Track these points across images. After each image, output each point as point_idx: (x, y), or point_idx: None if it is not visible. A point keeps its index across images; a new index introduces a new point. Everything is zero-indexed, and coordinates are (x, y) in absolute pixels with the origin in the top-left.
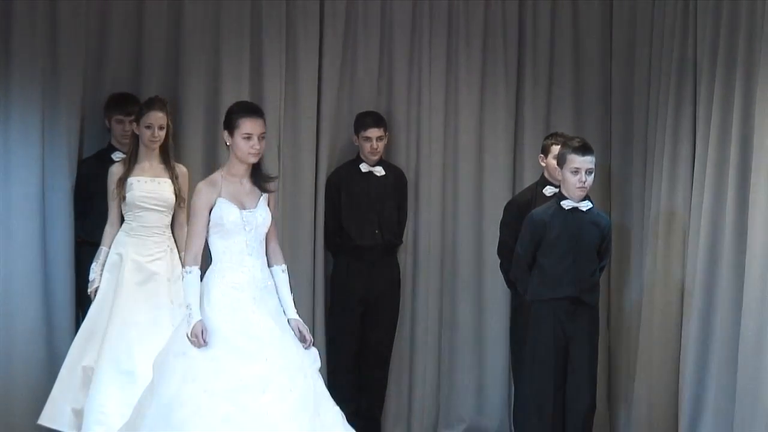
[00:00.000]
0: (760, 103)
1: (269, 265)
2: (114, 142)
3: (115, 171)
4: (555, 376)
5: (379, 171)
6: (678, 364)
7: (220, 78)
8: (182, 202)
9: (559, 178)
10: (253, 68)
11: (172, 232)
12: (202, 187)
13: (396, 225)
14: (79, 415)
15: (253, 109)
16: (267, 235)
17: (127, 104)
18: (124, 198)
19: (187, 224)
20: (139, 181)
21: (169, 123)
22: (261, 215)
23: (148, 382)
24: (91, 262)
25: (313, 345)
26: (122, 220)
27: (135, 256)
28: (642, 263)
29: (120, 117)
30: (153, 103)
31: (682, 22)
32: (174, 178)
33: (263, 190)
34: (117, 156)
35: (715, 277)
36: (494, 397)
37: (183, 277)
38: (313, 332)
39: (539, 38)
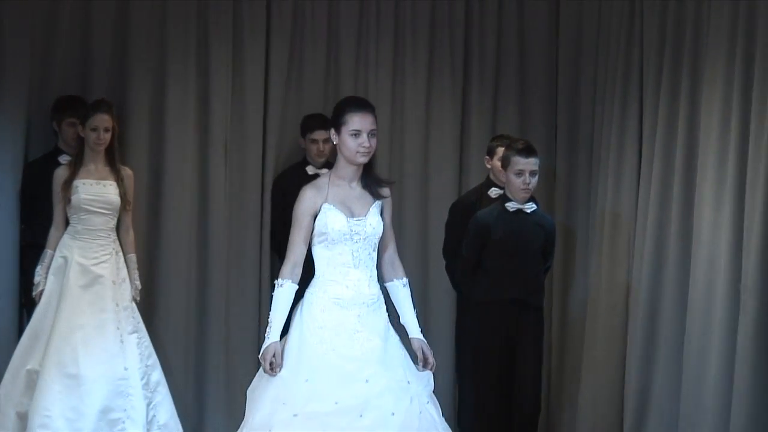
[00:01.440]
0: (705, 105)
1: (387, 280)
2: (62, 145)
3: (61, 174)
4: (500, 378)
5: (325, 173)
6: (623, 365)
7: (166, 80)
8: (128, 205)
9: (504, 179)
10: (199, 71)
11: (118, 235)
12: (306, 191)
13: None
14: (23, 418)
15: (362, 104)
16: (382, 245)
17: (79, 107)
18: (69, 201)
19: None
20: (84, 183)
21: (115, 125)
22: (371, 224)
23: (93, 385)
24: (36, 265)
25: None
26: (68, 223)
27: (80, 259)
28: (587, 264)
29: (72, 120)
30: (98, 106)
31: (629, 23)
32: (119, 180)
33: (376, 196)
34: (64, 159)
35: (661, 277)
36: (439, 399)
37: (273, 290)
38: (259, 335)
39: (485, 40)
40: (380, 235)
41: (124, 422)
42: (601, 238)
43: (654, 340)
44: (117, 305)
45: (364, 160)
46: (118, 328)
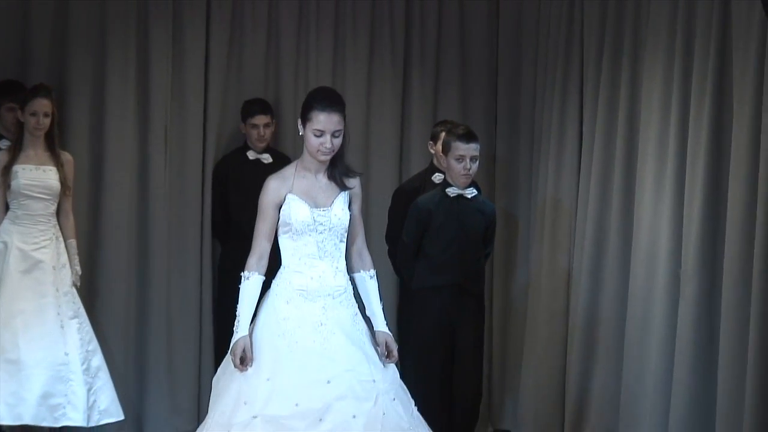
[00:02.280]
0: (645, 92)
1: (354, 271)
2: (1, 130)
3: (0, 159)
4: (441, 364)
5: (267, 158)
6: (564, 351)
7: (106, 65)
8: (67, 190)
9: (446, 165)
10: (139, 55)
11: (58, 221)
12: (270, 181)
13: None
14: None
15: (329, 103)
16: (350, 236)
17: (18, 92)
18: (8, 186)
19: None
20: (24, 169)
21: (55, 110)
22: (336, 214)
23: (33, 370)
24: None
25: (393, 360)
26: (7, 208)
27: (20, 244)
28: (528, 250)
29: (11, 105)
30: (38, 91)
31: (569, 10)
32: (59, 165)
33: (342, 186)
34: (3, 144)
35: (602, 263)
36: None
37: (240, 282)
38: (200, 320)
39: (426, 25)
40: (347, 225)
41: (64, 407)
42: (543, 224)
43: (595, 327)
44: (57, 290)
45: (324, 159)
46: (58, 314)
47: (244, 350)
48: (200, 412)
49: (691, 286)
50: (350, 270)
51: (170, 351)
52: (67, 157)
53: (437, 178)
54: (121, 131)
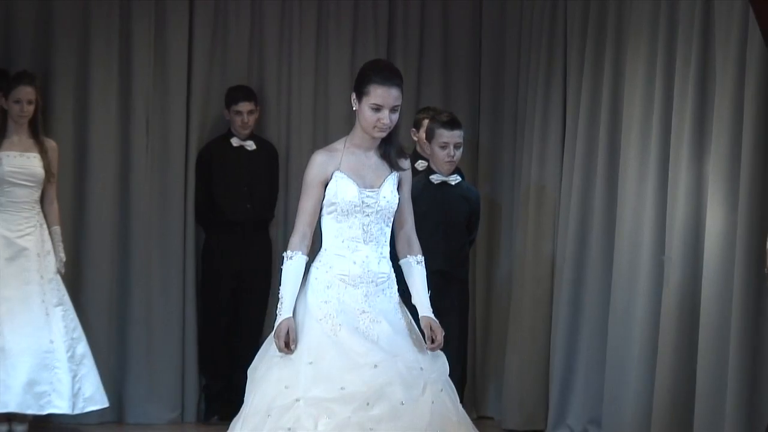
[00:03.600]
0: (629, 79)
1: (401, 257)
2: None
3: None
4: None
5: (251, 145)
6: (548, 337)
7: (90, 52)
8: (51, 177)
9: (429, 152)
10: (122, 42)
11: (42, 208)
12: (317, 156)
13: (267, 199)
14: None
15: (389, 76)
16: (398, 221)
17: (1, 79)
18: None
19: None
20: (8, 155)
21: (38, 97)
22: (385, 196)
23: (18, 357)
24: None
25: (441, 351)
26: None
27: (4, 231)
28: (512, 237)
29: None
30: (22, 78)
31: None
32: (43, 152)
33: (395, 167)
34: None
35: (585, 250)
36: None
37: (283, 262)
38: (183, 307)
39: (409, 11)
40: (394, 209)
41: (50, 395)
42: (526, 211)
43: (579, 313)
44: (42, 278)
45: (381, 135)
46: (43, 301)
47: (288, 332)
48: (184, 399)
49: (675, 273)
50: (397, 256)
51: (153, 338)
52: (51, 144)
53: (421, 165)
54: (104, 118)
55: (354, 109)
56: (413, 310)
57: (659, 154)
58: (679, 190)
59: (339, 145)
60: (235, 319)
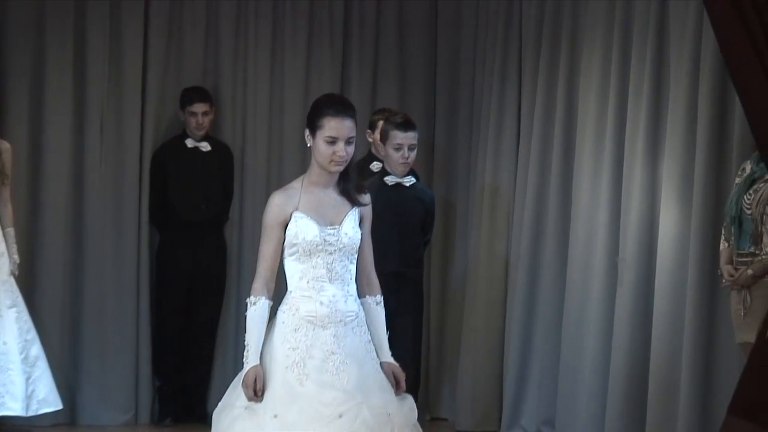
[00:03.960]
0: (583, 81)
1: (360, 296)
2: None
3: None
4: None
5: (205, 146)
6: (502, 339)
7: (44, 53)
8: (5, 179)
9: (384, 153)
10: (77, 43)
11: None
12: (274, 197)
13: (222, 200)
14: None
15: (341, 107)
16: (360, 258)
17: None
18: None
19: (260, 244)
20: None
21: None
22: (347, 233)
23: None
24: None
25: (407, 393)
26: None
27: None
28: (467, 238)
29: None
30: None
31: None
32: None
33: (354, 202)
34: None
35: (540, 251)
36: None
37: (246, 309)
38: (137, 309)
39: (365, 12)
40: (358, 245)
41: (3, 397)
42: (481, 212)
43: (533, 314)
44: None
45: (337, 169)
46: None
47: (255, 381)
48: (137, 401)
49: (629, 274)
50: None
51: (106, 340)
52: (5, 145)
53: (375, 166)
54: (59, 119)
55: (309, 145)
56: None
57: (614, 154)
58: (633, 190)
59: (296, 183)
60: (190, 320)
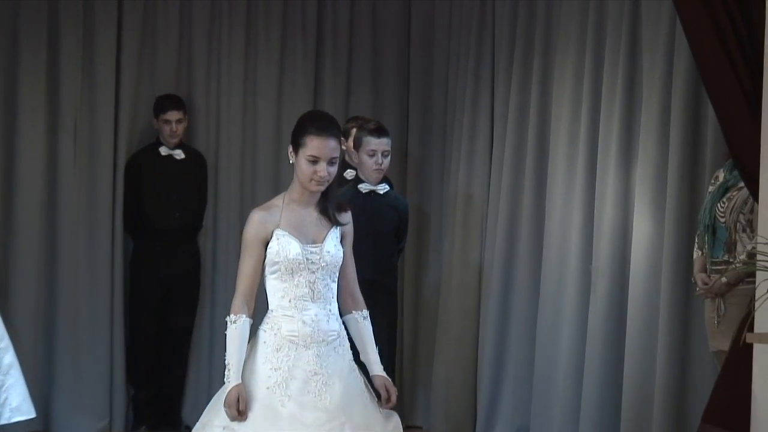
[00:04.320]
0: (557, 88)
1: (346, 312)
2: None
3: None
4: (356, 361)
5: (179, 154)
6: (476, 347)
7: (17, 60)
8: None
9: (357, 160)
10: (50, 50)
11: None
12: (254, 214)
13: (196, 208)
14: None
15: (325, 126)
16: (342, 275)
17: None
18: None
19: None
20: None
21: None
22: (329, 251)
23: None
24: None
25: (393, 411)
26: None
27: None
28: (441, 245)
29: None
30: None
31: (481, 3)
32: None
33: (334, 221)
34: None
35: (513, 259)
36: None
37: (226, 327)
38: (112, 317)
39: (338, 20)
40: (339, 263)
41: None
42: (454, 220)
43: (507, 322)
44: None
45: (319, 189)
46: None
47: (239, 400)
48: (112, 408)
49: (603, 281)
50: (341, 312)
51: (80, 347)
52: None
53: (349, 174)
54: (32, 126)
55: (291, 162)
56: (361, 367)
57: (587, 160)
58: (606, 196)
59: (277, 201)
60: (164, 328)
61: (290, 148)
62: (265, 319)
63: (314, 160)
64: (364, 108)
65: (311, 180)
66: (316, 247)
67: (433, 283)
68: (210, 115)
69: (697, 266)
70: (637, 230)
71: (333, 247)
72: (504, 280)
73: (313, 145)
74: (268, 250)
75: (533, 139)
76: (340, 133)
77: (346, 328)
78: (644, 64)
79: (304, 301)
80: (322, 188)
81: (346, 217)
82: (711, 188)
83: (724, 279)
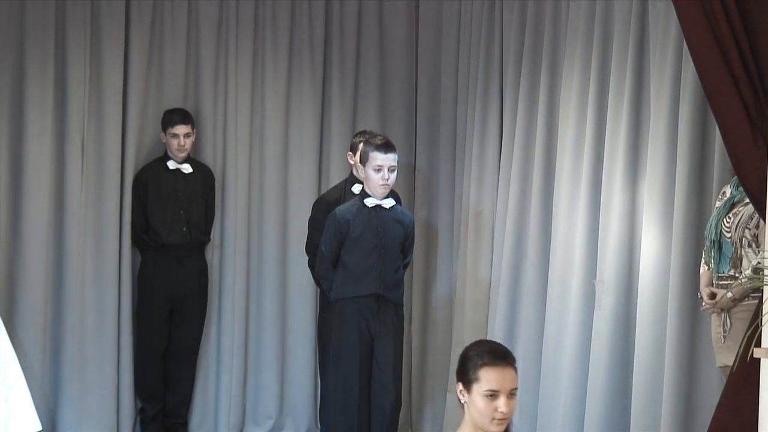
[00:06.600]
0: (563, 104)
1: None
2: None
3: None
4: (360, 373)
5: (187, 168)
6: None
7: (25, 73)
8: None
9: (364, 175)
10: (57, 63)
11: None
12: None
13: (203, 222)
14: None
15: (500, 356)
16: None
17: None
18: None
19: None
20: None
21: None
22: None
23: None
24: None
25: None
26: None
27: None
28: (451, 261)
29: None
30: None
31: (488, 21)
32: None
33: None
34: None
35: (520, 275)
36: (301, 394)
37: None
38: (119, 330)
39: (345, 35)
40: None
41: None
42: (465, 236)
43: (513, 338)
44: None
45: (499, 429)
46: None
47: None
48: (119, 422)
49: (609, 297)
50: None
51: (87, 361)
52: None
53: (356, 188)
54: (39, 140)
55: (463, 401)
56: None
57: (593, 175)
58: (612, 212)
59: None
60: (171, 342)
61: (459, 385)
62: None
63: (492, 394)
64: (371, 122)
65: (492, 419)
66: None
67: (441, 299)
68: (217, 129)
69: (703, 281)
70: (645, 245)
71: None
72: (511, 296)
73: (490, 378)
74: None
75: (540, 155)
76: (515, 364)
77: None
78: (652, 79)
79: None
80: (503, 429)
81: None
82: (718, 203)
83: (730, 294)
